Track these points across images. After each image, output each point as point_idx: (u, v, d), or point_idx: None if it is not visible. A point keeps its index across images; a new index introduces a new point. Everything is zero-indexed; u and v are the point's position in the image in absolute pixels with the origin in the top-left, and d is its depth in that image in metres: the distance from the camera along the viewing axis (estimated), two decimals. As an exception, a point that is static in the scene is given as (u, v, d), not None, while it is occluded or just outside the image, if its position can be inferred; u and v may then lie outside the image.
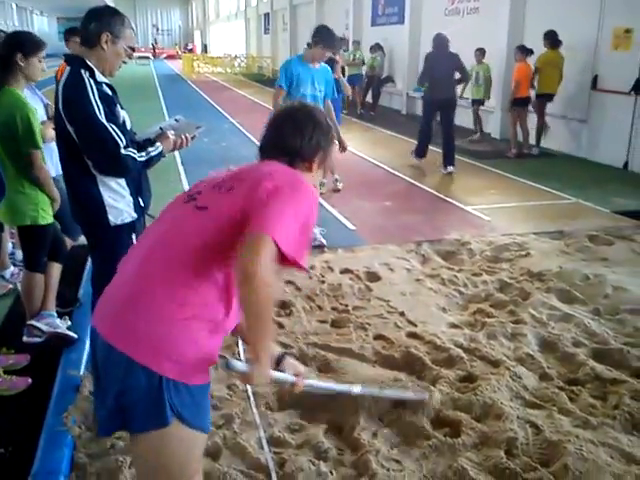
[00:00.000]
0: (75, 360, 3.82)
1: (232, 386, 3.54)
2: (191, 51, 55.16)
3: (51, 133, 4.17)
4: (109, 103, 3.01)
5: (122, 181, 3.09)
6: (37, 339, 3.99)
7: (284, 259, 1.74)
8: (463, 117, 13.89)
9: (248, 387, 3.49)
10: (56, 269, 4.12)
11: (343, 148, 6.52)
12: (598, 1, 9.93)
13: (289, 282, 5.03)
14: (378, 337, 4.14)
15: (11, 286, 4.84)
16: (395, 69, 18.01)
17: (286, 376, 2.19)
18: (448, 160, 9.53)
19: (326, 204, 7.39)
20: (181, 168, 9.10)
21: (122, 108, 3.15)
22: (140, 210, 3.20)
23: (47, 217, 3.86)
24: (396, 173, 9.51)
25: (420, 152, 9.94)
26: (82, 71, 2.96)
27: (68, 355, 3.88)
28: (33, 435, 3.10)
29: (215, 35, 57.03)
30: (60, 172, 3.40)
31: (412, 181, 8.99)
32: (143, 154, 3.08)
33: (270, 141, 2.14)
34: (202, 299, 1.81)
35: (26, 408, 3.37)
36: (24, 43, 3.71)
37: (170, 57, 52.57)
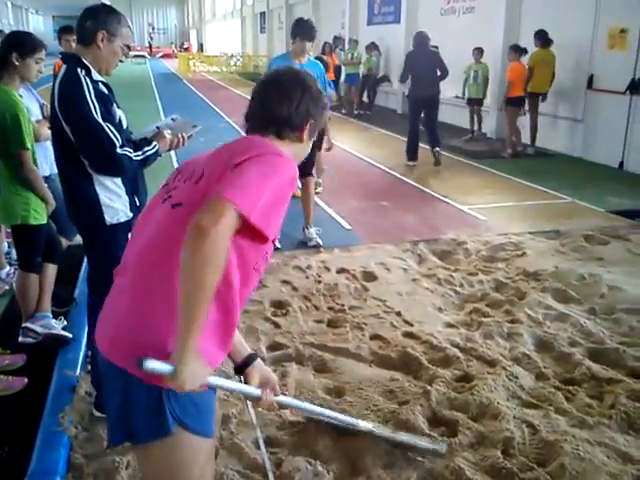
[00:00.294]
0: (71, 360, 3.81)
1: (229, 386, 3.53)
2: (187, 50, 55.08)
3: (46, 132, 4.16)
4: (105, 102, 2.99)
5: (118, 180, 3.08)
6: (32, 340, 3.98)
7: (251, 232, 1.62)
8: (456, 116, 13.94)
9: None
10: (51, 270, 4.11)
11: (329, 147, 6.48)
12: (593, 1, 9.95)
13: (285, 282, 5.03)
14: (374, 337, 4.14)
15: (7, 287, 4.83)
16: (391, 68, 18.01)
17: (244, 387, 1.99)
18: (434, 143, 9.82)
19: (322, 204, 7.39)
20: (176, 166, 9.08)
21: (118, 107, 3.14)
22: (136, 209, 3.19)
23: (39, 217, 3.84)
24: (392, 172, 9.51)
25: (411, 155, 9.98)
26: (78, 70, 2.94)
27: (64, 355, 3.87)
28: (29, 435, 3.09)
29: (211, 34, 56.96)
30: (56, 171, 3.39)
31: (408, 180, 9.00)
32: (139, 153, 3.07)
33: (255, 111, 1.94)
34: None
35: (22, 408, 3.36)
36: (22, 43, 3.70)
37: (166, 56, 52.49)
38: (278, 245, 5.49)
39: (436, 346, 3.97)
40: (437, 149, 9.83)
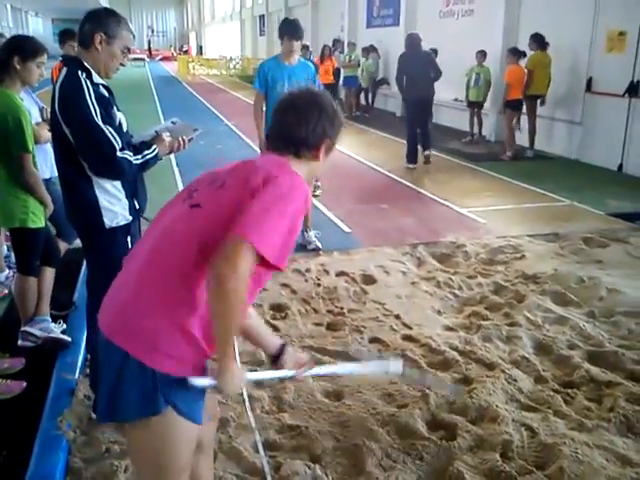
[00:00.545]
0: (70, 364, 3.81)
1: (228, 389, 3.53)
2: (186, 53, 55.15)
3: (46, 135, 4.16)
4: (105, 105, 2.99)
5: (118, 183, 3.08)
6: (31, 344, 3.97)
7: (264, 262, 1.73)
8: (455, 118, 13.96)
9: (244, 391, 3.49)
10: (49, 273, 4.10)
11: None
12: (592, 4, 9.97)
13: (285, 285, 5.03)
14: (374, 340, 4.15)
15: (6, 290, 4.82)
16: (390, 71, 18.02)
17: (278, 373, 2.14)
18: (425, 146, 9.99)
19: (321, 207, 7.39)
20: (177, 171, 9.09)
21: (118, 110, 3.14)
22: (135, 213, 3.19)
23: (37, 221, 3.84)
24: (391, 175, 9.52)
25: (412, 158, 10.00)
26: (79, 72, 2.94)
27: (63, 359, 3.87)
28: (28, 439, 3.09)
29: (210, 37, 57.03)
30: (56, 174, 3.39)
31: (407, 183, 9.00)
32: (139, 157, 3.07)
33: (275, 132, 2.07)
34: (197, 299, 1.82)
35: (21, 412, 3.36)
36: (23, 47, 3.70)
37: (165, 59, 52.49)
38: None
39: (435, 349, 3.97)
40: (427, 152, 9.95)
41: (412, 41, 9.71)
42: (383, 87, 17.79)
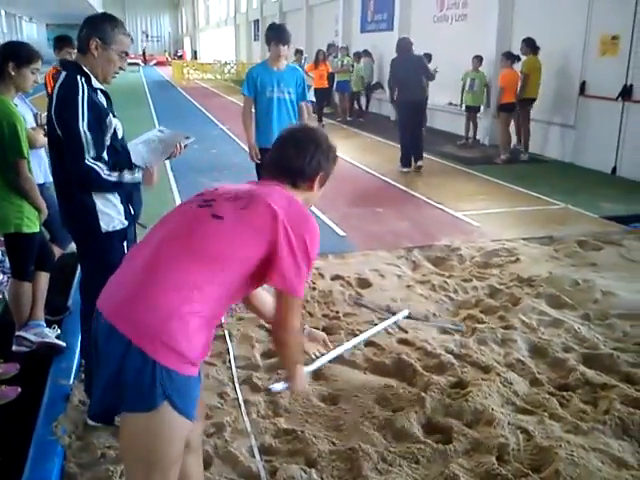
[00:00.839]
0: (65, 369, 3.79)
1: (223, 394, 3.53)
2: (181, 57, 55.13)
3: (41, 139, 4.15)
4: (99, 112, 2.98)
5: None
6: (26, 349, 3.96)
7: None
8: (449, 123, 13.99)
9: (239, 395, 3.49)
10: (44, 278, 4.10)
11: None
12: (585, 8, 10.01)
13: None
14: (369, 344, 4.14)
15: (0, 296, 4.81)
16: (384, 75, 18.04)
17: (317, 363, 2.63)
18: (417, 156, 10.00)
19: (316, 210, 7.38)
20: (171, 175, 9.09)
21: (114, 116, 3.13)
22: (131, 218, 3.18)
23: (32, 226, 3.83)
24: (386, 179, 9.53)
25: (406, 162, 10.02)
26: (78, 77, 2.94)
27: (58, 364, 3.85)
28: (23, 445, 3.08)
29: (205, 41, 57.09)
30: (50, 179, 3.38)
31: (402, 187, 9.01)
32: (115, 174, 3.01)
33: (274, 162, 2.25)
34: (206, 299, 1.92)
35: (16, 417, 3.35)
36: (18, 53, 3.70)
37: (160, 64, 52.54)
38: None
39: (430, 352, 3.97)
40: (419, 163, 9.98)
41: (403, 45, 9.78)
42: (377, 91, 17.81)
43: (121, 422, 1.99)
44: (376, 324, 4.40)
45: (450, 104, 14.11)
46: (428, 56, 12.02)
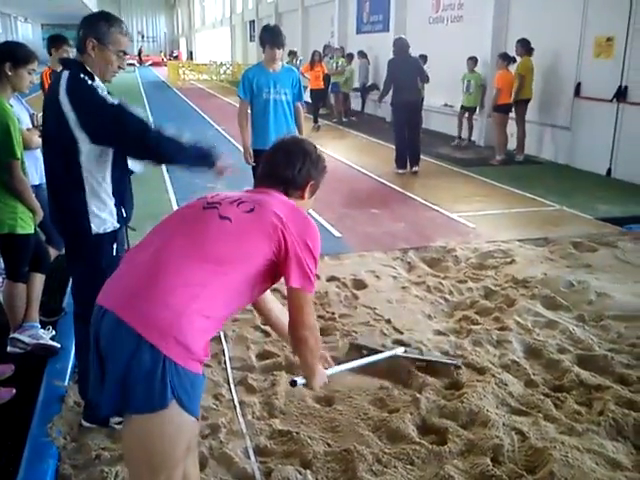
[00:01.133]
0: (60, 370, 3.79)
1: (218, 395, 3.53)
2: (176, 58, 55.09)
3: (37, 141, 4.15)
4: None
5: (109, 190, 3.04)
6: (20, 350, 3.95)
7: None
8: (445, 124, 14.01)
9: (234, 397, 3.49)
10: (39, 279, 4.08)
11: None
12: (580, 10, 10.04)
13: (274, 290, 5.00)
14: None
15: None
16: (380, 77, 18.08)
17: (336, 368, 2.61)
18: (413, 161, 10.00)
19: (312, 211, 7.38)
20: (167, 176, 9.08)
21: None
22: (123, 221, 3.16)
23: (27, 226, 3.82)
24: (381, 180, 9.54)
25: (401, 164, 10.03)
26: (82, 75, 2.92)
27: (53, 365, 3.85)
28: (17, 446, 3.07)
29: (201, 42, 57.03)
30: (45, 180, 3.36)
31: (397, 188, 9.02)
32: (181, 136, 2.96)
33: (266, 172, 2.33)
34: (212, 298, 1.96)
35: (10, 419, 3.34)
36: (14, 54, 3.69)
37: (155, 64, 52.47)
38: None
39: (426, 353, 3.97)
40: (415, 168, 9.99)
41: (400, 47, 9.77)
42: (373, 92, 17.83)
43: (125, 424, 1.99)
44: (371, 325, 4.41)
45: (445, 105, 14.14)
46: (423, 57, 12.05)
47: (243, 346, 4.11)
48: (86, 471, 2.89)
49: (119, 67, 3.08)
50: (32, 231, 3.88)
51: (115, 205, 3.08)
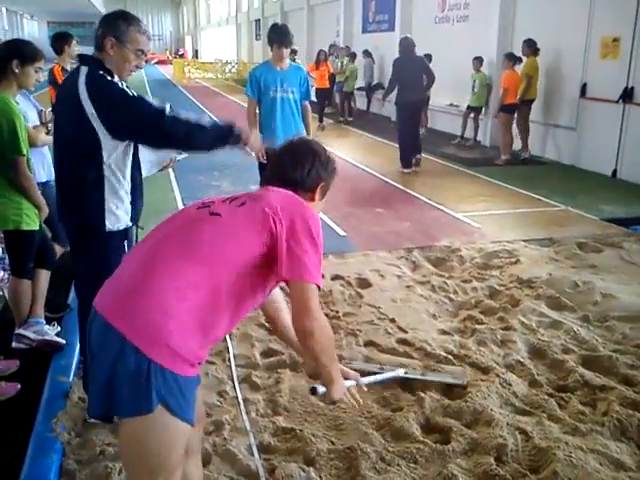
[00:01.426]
0: (65, 366, 3.80)
1: (222, 392, 3.54)
2: (182, 56, 55.08)
3: (44, 138, 4.16)
4: None
5: (128, 188, 3.05)
6: (25, 346, 3.96)
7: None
8: (450, 124, 13.99)
9: (239, 394, 3.50)
10: (44, 276, 4.09)
11: None
12: (586, 10, 10.01)
13: (280, 288, 5.01)
14: (368, 343, 4.15)
15: (1, 292, 4.81)
16: (385, 76, 18.06)
17: (352, 382, 2.36)
18: (416, 151, 10.17)
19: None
20: (172, 175, 9.10)
21: None
22: (134, 219, 3.18)
23: (32, 223, 3.83)
24: (386, 180, 9.54)
25: (406, 163, 10.02)
26: (101, 72, 2.93)
27: (58, 361, 3.86)
28: (22, 441, 3.08)
29: (206, 41, 57.07)
30: (53, 177, 3.35)
31: (402, 188, 9.02)
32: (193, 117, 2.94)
33: (274, 174, 2.26)
34: (203, 299, 1.88)
35: (15, 414, 3.35)
36: (22, 51, 3.70)
37: (161, 62, 52.48)
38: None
39: (430, 353, 3.97)
40: (418, 156, 10.12)
41: (407, 46, 9.76)
42: (378, 92, 17.82)
43: (119, 427, 1.97)
44: (375, 324, 4.42)
45: (451, 105, 14.12)
46: (428, 57, 12.03)
47: (247, 344, 4.11)
48: (90, 466, 2.90)
49: (136, 66, 3.08)
50: (37, 227, 3.89)
51: (130, 203, 3.09)
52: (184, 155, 3.47)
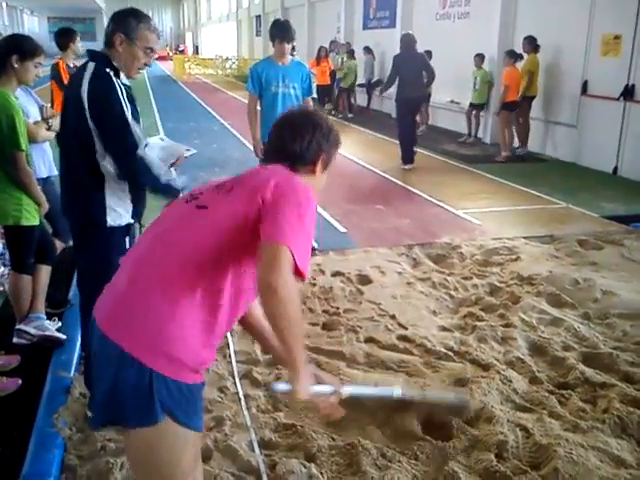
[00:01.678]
0: (65, 361, 3.80)
1: (223, 388, 3.54)
2: (182, 52, 55.07)
3: (45, 133, 4.15)
4: (133, 103, 3.00)
5: (126, 188, 3.07)
6: (26, 342, 3.97)
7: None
8: (451, 120, 13.99)
9: (239, 390, 3.50)
10: (45, 271, 4.09)
11: None
12: (588, 7, 10.00)
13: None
14: (369, 340, 4.15)
15: (1, 288, 4.81)
16: (386, 73, 18.04)
17: (327, 388, 2.04)
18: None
19: (317, 207, 7.38)
20: (172, 170, 9.08)
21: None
22: (137, 217, 3.19)
23: (32, 218, 3.82)
24: (387, 176, 9.54)
25: (408, 159, 10.02)
26: (107, 70, 2.93)
27: (59, 356, 3.87)
28: (23, 437, 3.09)
29: (207, 37, 56.99)
30: (55, 173, 3.36)
31: (403, 184, 9.02)
32: (161, 173, 3.02)
33: (272, 147, 2.15)
34: (199, 299, 1.80)
35: (16, 409, 3.36)
36: (21, 46, 3.69)
37: (161, 58, 52.39)
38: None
39: (430, 349, 3.97)
40: (415, 149, 10.18)
41: (407, 42, 9.76)
42: (378, 88, 17.80)
43: (125, 437, 1.93)
44: (376, 320, 4.42)
45: (452, 102, 14.11)
46: (428, 53, 12.02)
47: (248, 340, 4.10)
48: (91, 462, 2.90)
49: (145, 64, 3.08)
50: (37, 223, 3.88)
51: (132, 201, 3.10)
52: (193, 151, 3.47)
